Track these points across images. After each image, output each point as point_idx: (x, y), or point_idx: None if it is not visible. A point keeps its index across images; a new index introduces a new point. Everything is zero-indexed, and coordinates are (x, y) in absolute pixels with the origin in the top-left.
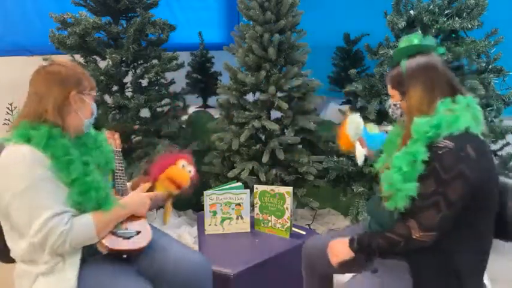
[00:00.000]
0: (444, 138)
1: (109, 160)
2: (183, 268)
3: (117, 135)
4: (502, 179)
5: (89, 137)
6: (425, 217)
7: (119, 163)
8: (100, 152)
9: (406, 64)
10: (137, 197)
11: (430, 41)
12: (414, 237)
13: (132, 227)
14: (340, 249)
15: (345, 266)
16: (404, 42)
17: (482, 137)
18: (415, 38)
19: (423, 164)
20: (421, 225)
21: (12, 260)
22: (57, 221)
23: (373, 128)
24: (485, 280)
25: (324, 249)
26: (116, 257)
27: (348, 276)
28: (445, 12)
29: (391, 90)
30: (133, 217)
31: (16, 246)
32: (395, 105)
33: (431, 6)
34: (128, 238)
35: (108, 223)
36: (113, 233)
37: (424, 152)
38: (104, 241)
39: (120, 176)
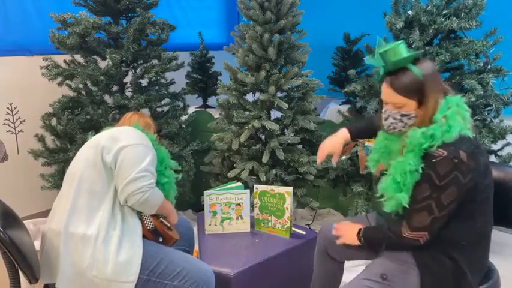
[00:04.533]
0: (438, 148)
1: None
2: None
3: None
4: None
5: None
6: (417, 219)
7: None
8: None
9: (420, 70)
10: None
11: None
12: (405, 235)
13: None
14: (348, 233)
15: (351, 249)
16: (395, 52)
17: (471, 134)
18: (401, 45)
19: (417, 173)
20: (411, 226)
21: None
22: (151, 174)
23: None
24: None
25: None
26: (155, 238)
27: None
28: (443, 13)
29: (402, 100)
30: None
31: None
32: (407, 115)
33: (429, 7)
34: (167, 228)
35: (165, 205)
36: (158, 218)
37: (418, 162)
38: (149, 222)
39: None
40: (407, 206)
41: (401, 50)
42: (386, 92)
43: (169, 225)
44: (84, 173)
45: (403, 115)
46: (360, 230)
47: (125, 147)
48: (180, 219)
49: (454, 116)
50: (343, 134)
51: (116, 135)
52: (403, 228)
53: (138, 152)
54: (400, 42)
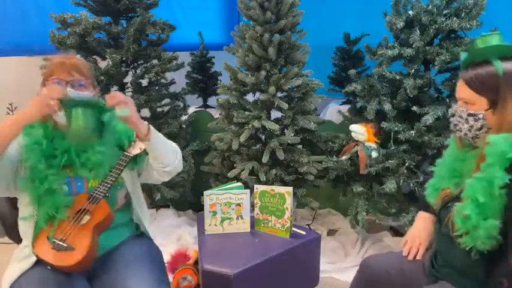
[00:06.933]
0: None
1: (96, 165)
2: None
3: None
4: None
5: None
6: None
7: (115, 169)
8: (94, 153)
9: (504, 66)
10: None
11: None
12: None
13: (70, 240)
14: None
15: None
16: (484, 40)
17: None
18: (495, 35)
19: (504, 191)
20: None
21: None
22: None
23: None
24: None
25: (387, 269)
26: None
27: None
28: (444, 12)
29: (473, 96)
30: (78, 229)
31: None
32: (474, 115)
33: (429, 7)
34: (57, 249)
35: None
36: (48, 238)
37: (504, 176)
38: (36, 246)
39: (105, 182)
40: (499, 236)
41: (492, 39)
42: (458, 85)
43: (60, 245)
44: None
45: (470, 114)
46: None
47: None
48: None
49: None
50: (427, 218)
51: None
52: None
53: None
54: (497, 32)
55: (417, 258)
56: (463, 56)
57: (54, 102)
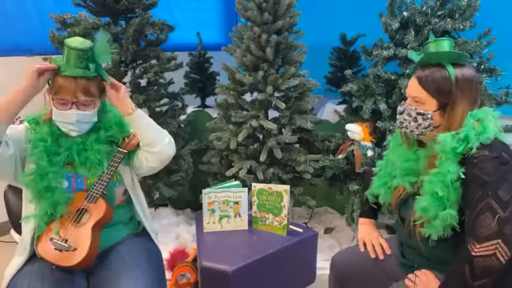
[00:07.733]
0: (478, 149)
1: (95, 164)
2: None
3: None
4: None
5: (98, 134)
6: (480, 225)
7: (110, 166)
8: (92, 153)
9: (455, 72)
10: None
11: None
12: (474, 253)
13: (71, 240)
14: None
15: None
16: (437, 45)
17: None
18: (448, 41)
19: (459, 183)
20: (478, 237)
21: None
22: None
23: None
24: None
25: (356, 263)
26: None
27: None
28: (438, 14)
29: (425, 96)
30: (78, 228)
31: None
32: (423, 114)
33: (424, 8)
34: (59, 250)
35: None
36: (50, 239)
37: (458, 169)
38: (39, 245)
39: (101, 181)
40: (456, 224)
41: (445, 45)
42: (411, 84)
43: (63, 245)
44: None
45: (418, 113)
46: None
47: None
48: None
49: (490, 119)
50: (368, 222)
51: None
52: (471, 246)
53: None
54: (448, 38)
55: (387, 252)
56: (410, 54)
57: (43, 66)
